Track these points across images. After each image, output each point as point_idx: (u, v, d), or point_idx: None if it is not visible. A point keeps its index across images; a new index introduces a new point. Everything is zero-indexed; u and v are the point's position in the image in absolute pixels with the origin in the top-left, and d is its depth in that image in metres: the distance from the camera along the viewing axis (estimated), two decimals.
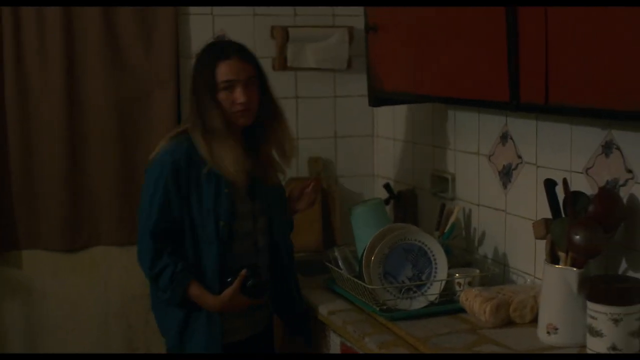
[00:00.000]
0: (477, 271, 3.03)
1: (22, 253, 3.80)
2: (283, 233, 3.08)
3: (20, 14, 3.66)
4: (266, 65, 3.91)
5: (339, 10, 4.04)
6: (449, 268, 2.97)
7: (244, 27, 3.95)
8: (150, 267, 2.85)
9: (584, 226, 2.43)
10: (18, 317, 3.83)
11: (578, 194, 2.57)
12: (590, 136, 2.64)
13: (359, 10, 3.62)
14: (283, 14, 3.99)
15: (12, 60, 3.66)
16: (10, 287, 3.82)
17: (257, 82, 2.89)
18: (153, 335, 3.92)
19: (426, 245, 2.98)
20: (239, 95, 2.81)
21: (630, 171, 2.51)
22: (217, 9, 3.91)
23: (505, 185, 3.11)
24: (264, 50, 3.95)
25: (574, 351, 2.45)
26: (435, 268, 2.97)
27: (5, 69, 3.66)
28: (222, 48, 2.89)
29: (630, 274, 2.52)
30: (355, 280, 3.01)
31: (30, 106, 3.70)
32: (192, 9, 3.89)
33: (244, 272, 2.83)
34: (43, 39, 3.68)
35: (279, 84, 3.95)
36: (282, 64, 3.96)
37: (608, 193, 2.52)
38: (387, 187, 3.83)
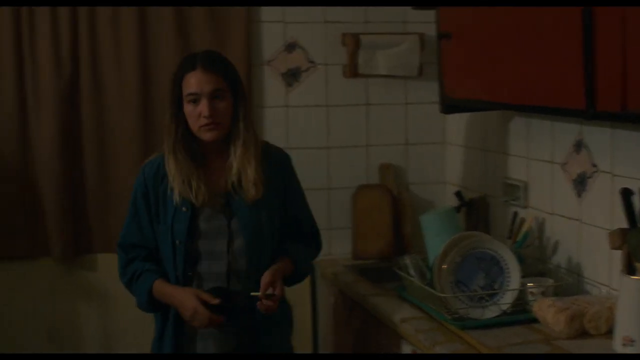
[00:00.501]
0: (551, 281, 2.99)
1: (97, 257, 3.87)
2: (258, 258, 2.77)
3: (95, 16, 3.73)
4: (337, 72, 3.95)
5: (410, 17, 4.03)
6: (522, 277, 2.94)
7: (315, 34, 3.97)
8: (121, 274, 2.85)
9: None
10: (93, 320, 3.91)
11: None
12: None
13: (430, 16, 3.60)
14: (354, 21, 4.00)
15: (88, 66, 3.74)
16: (86, 291, 3.89)
17: (229, 94, 2.73)
18: None
19: (499, 254, 2.95)
20: (202, 108, 2.67)
21: None
22: (289, 17, 3.93)
23: (579, 194, 3.06)
24: (334, 58, 3.97)
25: None
26: (508, 277, 2.94)
27: (81, 72, 3.74)
28: (190, 59, 2.75)
29: None
30: (427, 288, 3.00)
31: (105, 111, 3.78)
32: (264, 17, 3.92)
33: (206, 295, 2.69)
34: (118, 43, 3.75)
35: (350, 91, 4.00)
36: (353, 71, 3.96)
37: None
38: (458, 194, 3.81)
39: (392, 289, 3.35)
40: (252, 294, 2.68)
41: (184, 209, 2.73)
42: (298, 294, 3.99)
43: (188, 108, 2.69)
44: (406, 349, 2.99)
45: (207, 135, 2.71)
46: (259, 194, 2.73)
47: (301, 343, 4.02)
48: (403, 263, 3.22)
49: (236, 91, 2.74)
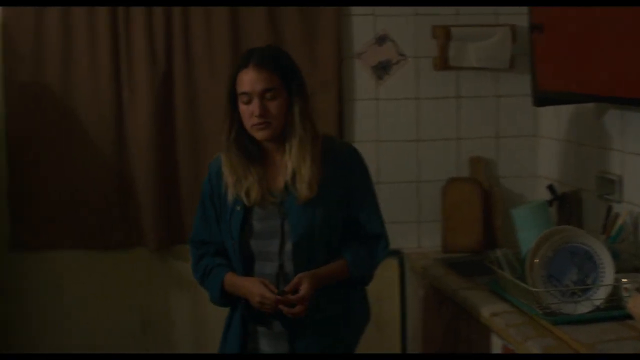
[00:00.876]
0: None
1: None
2: (307, 260, 2.69)
3: (189, 15, 3.80)
4: (427, 64, 3.94)
5: (502, 8, 3.99)
6: (616, 273, 2.89)
7: (406, 27, 3.96)
8: (194, 271, 2.85)
9: None
10: (186, 310, 3.99)
11: None
12: None
13: (522, 7, 3.56)
14: (445, 13, 3.97)
15: (181, 61, 3.82)
16: (179, 281, 3.97)
17: (282, 91, 2.66)
18: None
19: (592, 249, 2.90)
20: (254, 107, 2.62)
21: None
22: (379, 10, 3.94)
23: None
24: (424, 50, 3.96)
25: None
26: (602, 272, 2.89)
27: (174, 68, 3.82)
28: (246, 56, 2.70)
29: None
30: (519, 282, 2.97)
31: (197, 105, 3.85)
32: (354, 10, 3.93)
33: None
34: (210, 39, 3.81)
35: (440, 83, 3.98)
36: (443, 63, 3.94)
37: None
38: (550, 188, 3.76)
39: (482, 282, 3.32)
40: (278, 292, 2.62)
41: (237, 207, 2.72)
42: (387, 287, 4.02)
43: (242, 106, 2.66)
44: (497, 343, 2.97)
45: (258, 135, 2.67)
46: (313, 194, 2.64)
47: (389, 336, 4.05)
48: (494, 257, 3.19)
49: (291, 87, 2.67)
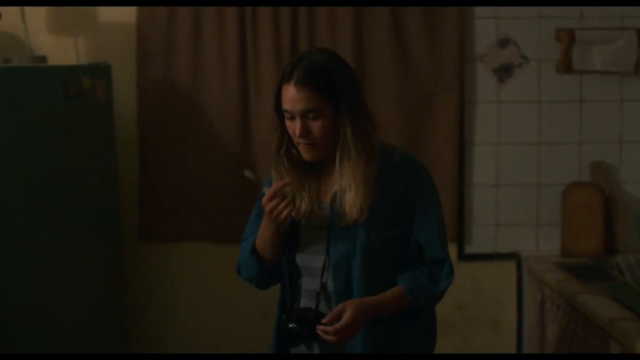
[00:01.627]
0: None
1: None
2: (348, 282, 2.40)
3: (314, 14, 3.88)
4: (549, 68, 3.92)
5: (628, 11, 3.94)
6: None
7: (529, 29, 3.95)
8: (236, 269, 2.64)
9: None
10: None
11: None
12: None
13: None
14: (569, 16, 3.94)
15: None
16: None
17: (327, 110, 2.34)
18: None
19: None
20: (296, 126, 2.35)
21: None
22: (503, 12, 3.94)
23: None
24: (547, 53, 3.94)
25: None
26: None
27: None
28: (291, 66, 2.37)
29: None
30: None
31: None
32: (478, 12, 3.94)
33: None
34: (334, 33, 3.88)
35: (563, 87, 3.96)
36: (566, 66, 3.92)
37: None
38: None
39: (602, 288, 3.30)
40: (322, 323, 2.32)
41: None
42: (504, 289, 4.04)
43: (287, 121, 2.40)
44: (615, 349, 2.95)
45: (305, 156, 2.40)
46: (362, 219, 2.34)
47: (505, 338, 4.06)
48: (615, 262, 3.17)
49: (338, 106, 2.34)
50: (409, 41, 3.89)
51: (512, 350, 4.07)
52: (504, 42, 3.96)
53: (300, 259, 2.46)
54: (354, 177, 2.34)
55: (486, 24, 3.96)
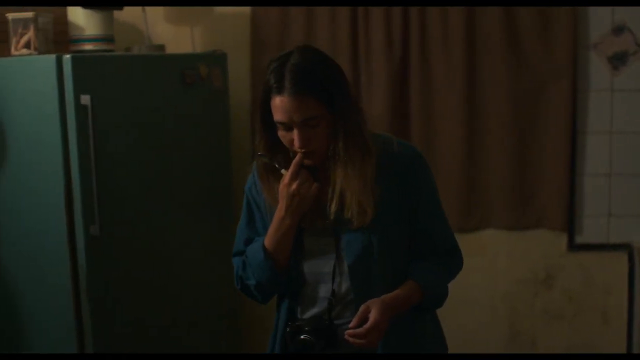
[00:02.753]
0: None
1: None
2: (365, 282, 2.27)
3: (425, 12, 3.90)
4: None
5: None
6: None
7: None
8: (236, 279, 2.43)
9: None
10: None
11: None
12: None
13: None
14: None
15: (417, 50, 3.92)
16: None
17: (325, 115, 2.18)
18: (539, 319, 4.04)
19: None
20: (294, 138, 2.18)
21: None
22: None
23: None
24: None
25: None
26: None
27: (411, 56, 3.92)
28: (277, 74, 2.17)
29: None
30: None
31: (432, 92, 3.93)
32: None
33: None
34: (445, 26, 3.89)
35: None
36: None
37: None
38: None
39: None
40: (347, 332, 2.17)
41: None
42: (615, 280, 3.99)
43: (280, 132, 2.21)
44: None
45: (304, 162, 2.24)
46: (368, 220, 2.22)
47: (616, 329, 4.01)
48: None
49: (333, 104, 2.19)
50: (521, 29, 3.86)
51: (622, 342, 4.01)
52: (618, 30, 3.89)
53: (308, 265, 2.31)
54: (353, 177, 2.21)
55: (601, 11, 3.89)
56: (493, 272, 4.06)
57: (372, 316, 2.15)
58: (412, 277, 2.28)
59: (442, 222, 2.37)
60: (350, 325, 2.16)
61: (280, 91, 2.14)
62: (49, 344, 3.31)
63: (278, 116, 2.16)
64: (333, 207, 2.22)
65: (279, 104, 2.15)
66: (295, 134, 2.17)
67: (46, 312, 3.32)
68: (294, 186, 2.21)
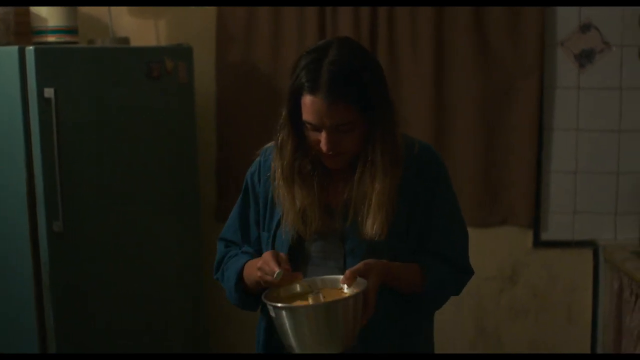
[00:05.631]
0: None
1: None
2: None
3: (394, 14, 3.87)
4: (632, 54, 3.86)
5: None
6: None
7: (611, 15, 3.87)
8: (215, 269, 2.34)
9: None
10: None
11: None
12: None
13: None
14: None
15: (386, 56, 3.88)
16: None
17: (360, 121, 2.03)
18: (504, 315, 4.04)
19: None
20: (322, 140, 2.03)
21: None
22: None
23: None
24: (630, 39, 3.88)
25: None
26: None
27: (378, 52, 3.89)
28: (313, 72, 2.01)
29: None
30: None
31: (401, 92, 3.89)
32: None
33: None
34: (414, 33, 3.87)
35: None
36: None
37: None
38: None
39: None
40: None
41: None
42: (580, 277, 4.01)
43: (307, 131, 2.07)
44: None
45: (329, 165, 2.12)
46: (382, 238, 2.06)
47: (580, 327, 4.03)
48: None
49: (371, 110, 2.03)
50: (490, 26, 3.85)
51: (586, 338, 4.03)
52: (585, 27, 3.90)
53: (311, 271, 2.14)
54: (378, 187, 2.06)
55: (568, 9, 3.89)
56: None
57: (371, 282, 1.96)
58: (421, 268, 2.13)
59: (455, 237, 2.19)
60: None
61: (313, 91, 1.99)
62: (10, 342, 3.25)
63: (308, 116, 2.02)
64: (351, 212, 2.08)
65: (310, 105, 2.00)
66: (323, 136, 2.02)
67: (7, 309, 3.26)
68: (258, 274, 2.05)
